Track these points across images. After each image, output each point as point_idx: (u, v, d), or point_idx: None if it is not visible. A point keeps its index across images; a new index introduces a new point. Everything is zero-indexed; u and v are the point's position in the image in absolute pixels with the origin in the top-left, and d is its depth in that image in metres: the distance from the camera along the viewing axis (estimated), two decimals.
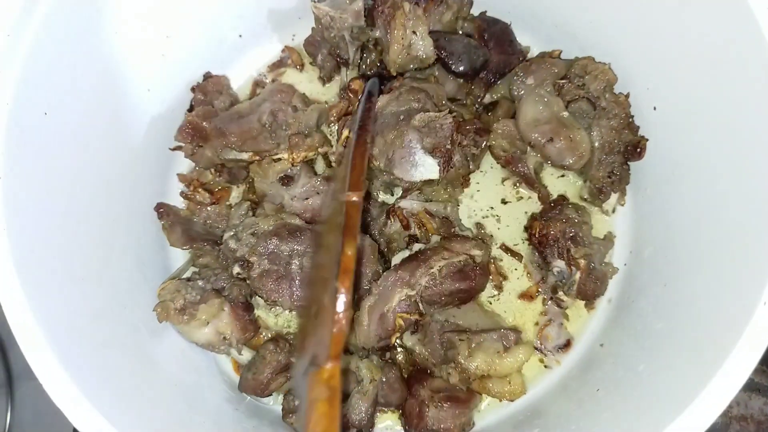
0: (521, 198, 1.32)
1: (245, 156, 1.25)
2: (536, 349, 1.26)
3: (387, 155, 1.16)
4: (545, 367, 1.26)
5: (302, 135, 1.26)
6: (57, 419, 1.45)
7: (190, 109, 1.30)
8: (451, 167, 1.18)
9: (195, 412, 1.09)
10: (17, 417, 1.50)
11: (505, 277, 1.29)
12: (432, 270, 1.12)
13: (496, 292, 1.29)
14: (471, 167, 1.26)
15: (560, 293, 1.25)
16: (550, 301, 1.27)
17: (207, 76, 1.33)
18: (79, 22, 1.04)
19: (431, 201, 1.25)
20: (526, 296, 1.28)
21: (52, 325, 0.90)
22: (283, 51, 1.43)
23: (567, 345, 1.27)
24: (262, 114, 1.26)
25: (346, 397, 1.13)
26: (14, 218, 0.91)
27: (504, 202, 1.33)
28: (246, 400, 1.24)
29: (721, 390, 0.85)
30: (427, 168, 1.15)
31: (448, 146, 1.15)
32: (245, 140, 1.24)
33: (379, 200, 1.29)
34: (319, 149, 1.28)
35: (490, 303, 1.28)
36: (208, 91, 1.31)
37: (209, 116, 1.24)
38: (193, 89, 1.31)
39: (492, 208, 1.32)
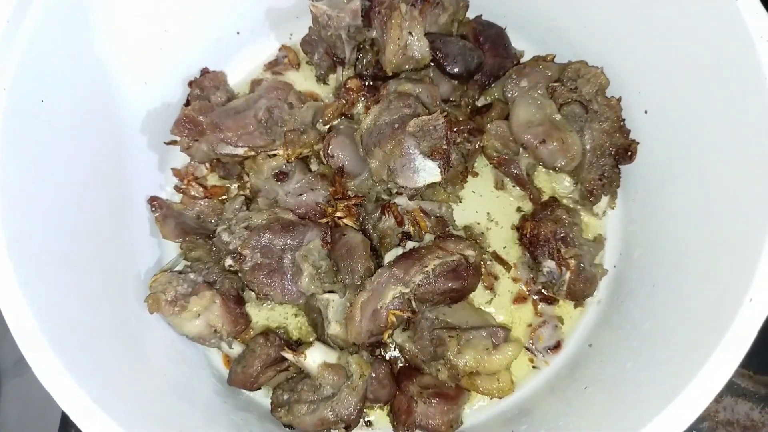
0: (513, 199, 1.33)
1: (240, 151, 1.26)
2: (527, 349, 1.27)
3: (388, 166, 1.16)
4: (534, 367, 1.27)
5: (297, 132, 1.27)
6: (44, 415, 1.46)
7: (187, 104, 1.31)
8: (450, 167, 1.19)
9: (184, 403, 1.09)
10: (4, 413, 1.49)
11: (496, 278, 1.30)
12: (426, 268, 1.12)
13: (489, 294, 1.29)
14: (467, 165, 1.27)
15: (549, 293, 1.27)
16: (541, 302, 1.28)
17: (204, 72, 1.34)
18: (79, 13, 1.05)
19: (426, 200, 1.26)
20: (520, 299, 1.29)
21: (44, 312, 0.90)
22: (279, 50, 1.44)
23: (557, 346, 1.28)
24: (258, 110, 1.27)
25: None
26: (8, 204, 0.91)
27: (496, 203, 1.34)
28: (235, 393, 1.24)
29: (706, 385, 0.86)
30: (428, 172, 1.16)
31: (445, 146, 1.16)
32: (241, 135, 1.24)
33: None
34: (314, 146, 1.29)
35: (483, 306, 1.29)
36: (205, 86, 1.31)
37: (205, 111, 1.25)
38: (190, 84, 1.32)
39: (485, 209, 1.33)
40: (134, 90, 1.22)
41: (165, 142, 1.29)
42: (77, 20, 1.05)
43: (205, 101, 1.28)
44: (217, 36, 1.35)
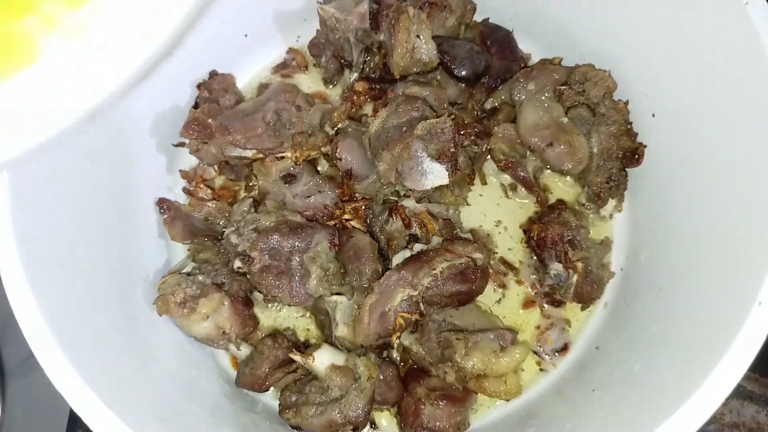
0: (520, 202, 1.34)
1: (249, 153, 1.26)
2: (535, 352, 1.27)
3: (396, 169, 1.17)
4: (541, 370, 1.27)
5: (305, 134, 1.27)
6: (50, 416, 1.46)
7: (195, 106, 1.31)
8: (458, 169, 1.19)
9: (192, 404, 1.09)
10: (9, 413, 1.49)
11: (505, 274, 1.30)
12: (434, 271, 1.13)
13: (500, 292, 1.29)
14: (474, 167, 1.27)
15: (556, 296, 1.27)
16: (547, 304, 1.28)
17: (213, 74, 1.35)
18: None
19: (434, 202, 1.26)
20: (528, 302, 1.29)
21: (54, 312, 0.90)
22: (287, 52, 1.44)
23: (564, 348, 1.28)
24: (267, 113, 1.27)
25: None
26: (19, 207, 0.92)
27: (504, 205, 1.34)
28: (243, 395, 1.24)
29: (714, 390, 0.85)
30: (436, 174, 1.16)
31: (453, 149, 1.16)
32: (249, 138, 1.25)
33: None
34: (322, 149, 1.29)
35: (492, 307, 1.29)
36: (214, 88, 1.32)
37: (214, 113, 1.26)
38: (198, 86, 1.32)
39: (492, 211, 1.34)
40: (142, 93, 1.22)
41: (173, 144, 1.29)
42: None
43: (213, 104, 1.29)
44: (225, 38, 1.35)
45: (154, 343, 1.13)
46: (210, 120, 1.25)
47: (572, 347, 1.27)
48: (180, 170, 1.34)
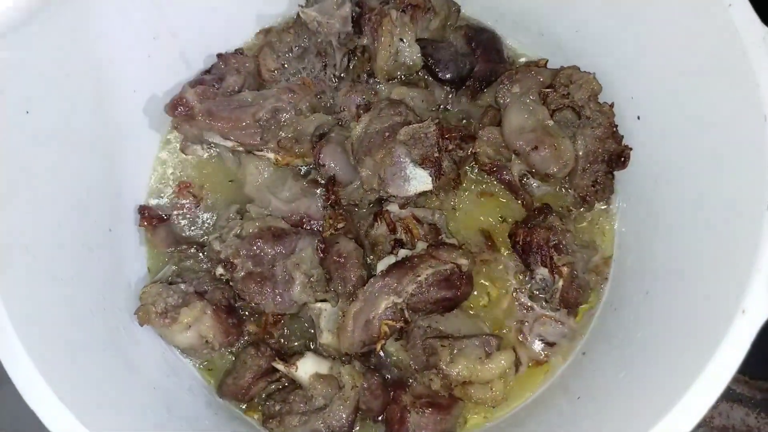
0: (505, 205, 1.32)
1: (228, 144, 1.24)
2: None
3: (379, 175, 1.16)
4: (546, 362, 1.24)
5: (293, 140, 1.24)
6: (37, 423, 1.45)
7: (194, 84, 1.26)
8: (442, 174, 1.18)
9: (174, 416, 1.08)
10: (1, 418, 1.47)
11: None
12: (419, 278, 1.11)
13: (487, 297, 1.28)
14: (459, 172, 1.26)
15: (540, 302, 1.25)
16: (532, 305, 1.27)
17: (238, 51, 1.34)
18: (67, 21, 1.03)
19: (420, 207, 1.25)
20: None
21: (28, 327, 0.88)
22: None
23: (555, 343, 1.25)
24: (262, 109, 1.22)
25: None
26: None
27: (490, 210, 1.32)
28: (226, 405, 1.22)
29: (701, 397, 0.85)
30: (419, 180, 1.15)
31: (437, 154, 1.15)
32: (232, 129, 1.21)
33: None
34: (306, 159, 1.26)
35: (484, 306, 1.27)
36: (230, 64, 1.29)
37: (206, 97, 1.22)
38: (219, 56, 1.30)
39: (479, 216, 1.32)
40: (122, 99, 1.21)
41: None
42: (64, 29, 1.03)
43: (210, 86, 1.25)
44: (206, 44, 1.33)
45: (135, 354, 1.12)
46: (196, 102, 1.21)
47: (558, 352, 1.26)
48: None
